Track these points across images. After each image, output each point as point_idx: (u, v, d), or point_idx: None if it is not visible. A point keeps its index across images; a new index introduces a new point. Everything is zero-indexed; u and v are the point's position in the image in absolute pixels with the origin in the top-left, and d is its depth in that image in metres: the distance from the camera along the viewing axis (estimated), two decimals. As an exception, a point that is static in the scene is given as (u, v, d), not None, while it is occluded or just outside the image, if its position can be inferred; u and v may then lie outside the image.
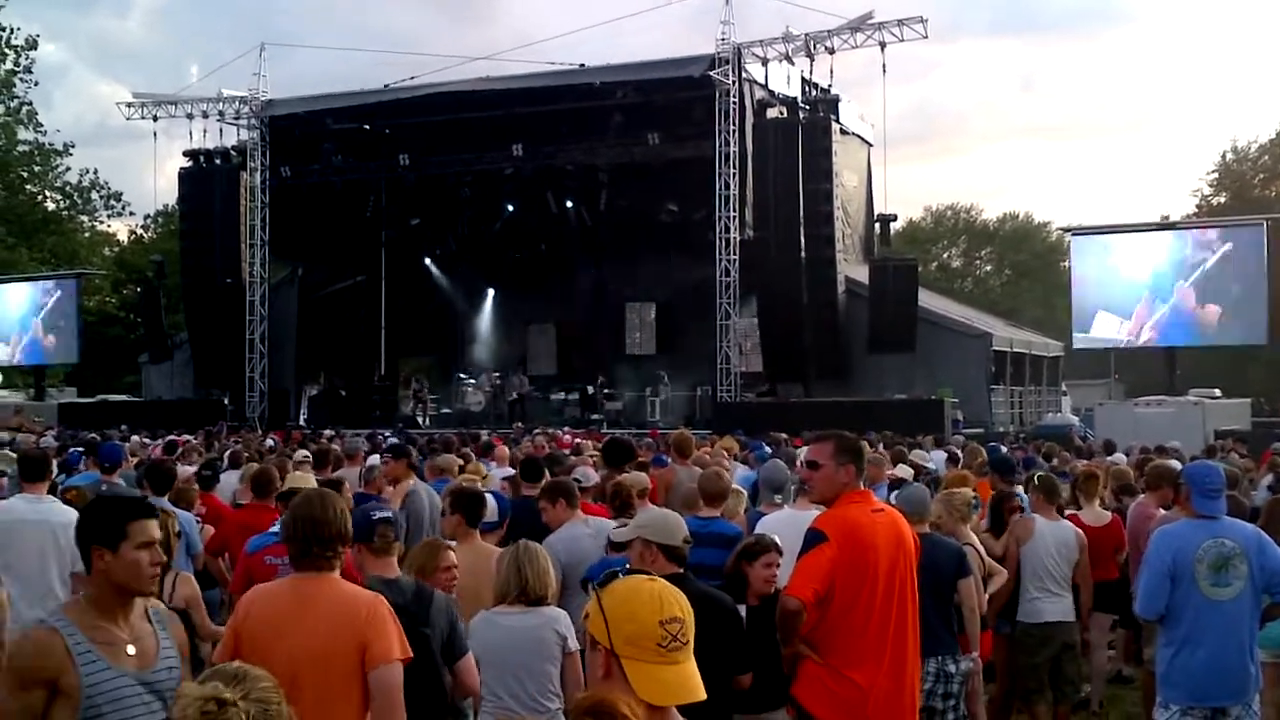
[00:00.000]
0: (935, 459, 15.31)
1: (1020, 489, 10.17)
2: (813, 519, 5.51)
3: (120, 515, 4.03)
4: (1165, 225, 35.79)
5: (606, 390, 35.41)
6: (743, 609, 5.64)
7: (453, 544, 6.29)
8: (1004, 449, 16.02)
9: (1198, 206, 58.11)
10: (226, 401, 35.88)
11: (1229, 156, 59.56)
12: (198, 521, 9.57)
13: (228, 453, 15.86)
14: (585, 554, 7.13)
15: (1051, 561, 8.54)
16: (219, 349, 36.83)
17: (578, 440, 19.46)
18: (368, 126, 35.50)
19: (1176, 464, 11.15)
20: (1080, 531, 8.86)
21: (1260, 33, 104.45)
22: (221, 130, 37.45)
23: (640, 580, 2.80)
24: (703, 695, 2.66)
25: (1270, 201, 49.31)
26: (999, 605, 8.56)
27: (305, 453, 13.64)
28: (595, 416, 33.64)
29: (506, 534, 7.53)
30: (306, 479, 8.13)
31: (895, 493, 8.43)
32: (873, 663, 5.26)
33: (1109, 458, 16.15)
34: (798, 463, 8.13)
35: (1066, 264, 43.44)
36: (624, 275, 38.96)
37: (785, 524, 7.15)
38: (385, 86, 34.85)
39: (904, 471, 11.89)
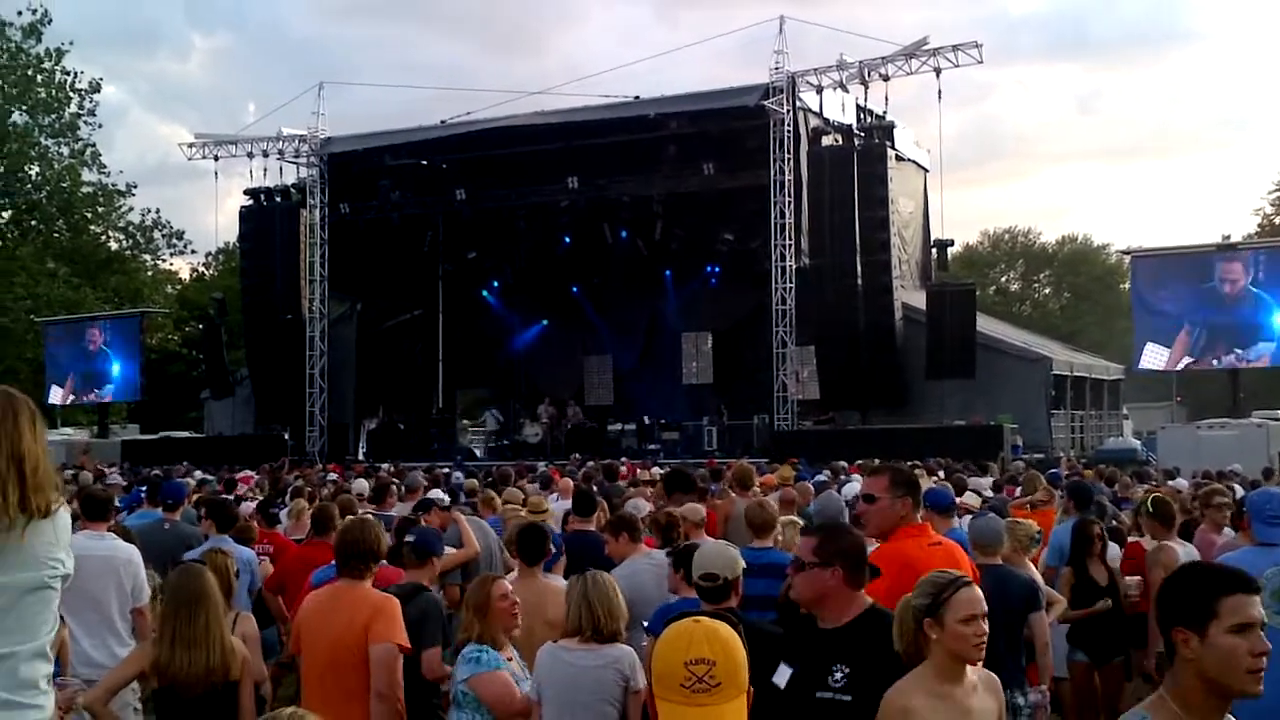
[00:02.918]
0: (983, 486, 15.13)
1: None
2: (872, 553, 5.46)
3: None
4: (1226, 245, 35.40)
5: (663, 420, 35.36)
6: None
7: (504, 576, 6.30)
8: (1063, 474, 15.84)
9: (1259, 226, 57.40)
10: (287, 436, 36.13)
11: (1290, 175, 58.89)
12: (262, 558, 9.67)
13: (289, 489, 15.99)
14: (645, 587, 7.11)
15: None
16: (279, 384, 37.17)
17: (636, 470, 19.45)
18: (425, 162, 35.74)
19: (1239, 489, 11.00)
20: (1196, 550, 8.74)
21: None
22: (281, 168, 37.86)
23: (685, 622, 2.80)
24: None
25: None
26: (1153, 643, 8.46)
27: (364, 482, 13.74)
28: (652, 447, 33.56)
29: (567, 568, 7.54)
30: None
31: (968, 522, 8.35)
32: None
33: (1170, 483, 15.92)
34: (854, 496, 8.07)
35: (1126, 286, 43.03)
36: (680, 305, 38.95)
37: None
38: (441, 123, 35.11)
39: (971, 500, 11.76)
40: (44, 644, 3.55)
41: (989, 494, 13.78)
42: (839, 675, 4.11)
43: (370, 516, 7.37)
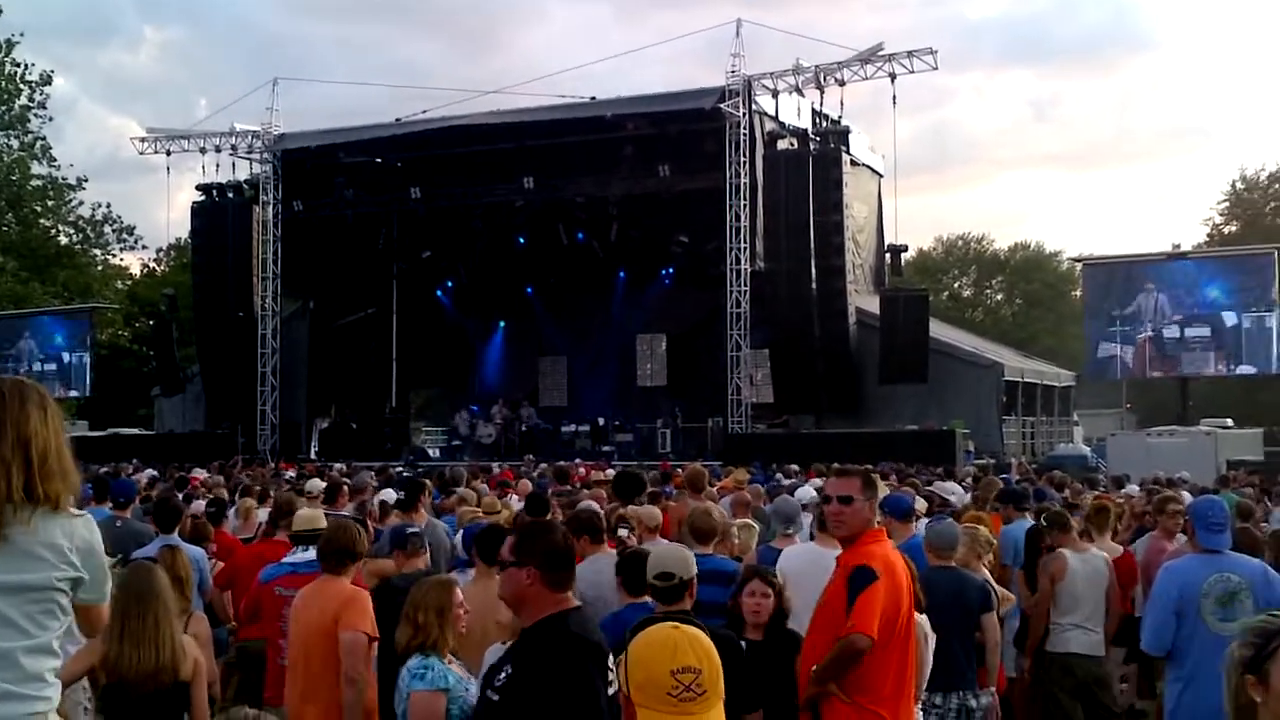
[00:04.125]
0: (954, 491, 15.23)
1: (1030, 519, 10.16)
2: (844, 555, 5.44)
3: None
4: (1177, 255, 35.81)
5: (617, 422, 35.40)
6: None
7: (458, 581, 6.28)
8: (1015, 479, 15.98)
9: (1209, 235, 58.08)
10: (239, 435, 35.89)
11: (1239, 185, 59.56)
12: (210, 558, 9.59)
13: (240, 487, 15.89)
14: (604, 587, 7.11)
15: (1084, 593, 8.51)
16: (231, 382, 36.92)
17: (591, 472, 19.44)
18: (379, 160, 35.63)
19: (1188, 496, 11.14)
20: (1107, 559, 8.86)
21: (1271, 60, 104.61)
22: (234, 164, 37.69)
23: (664, 628, 2.79)
24: None
25: (1281, 230, 49.23)
26: (1034, 641, 8.59)
27: (318, 482, 13.66)
28: (606, 448, 33.59)
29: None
30: (316, 516, 8.12)
31: (924, 526, 8.40)
32: (893, 700, 5.27)
33: (1121, 491, 16.06)
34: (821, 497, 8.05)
35: (1078, 293, 43.43)
36: (635, 307, 39.00)
37: (807, 558, 7.14)
38: (396, 120, 35.01)
39: (921, 505, 11.82)
40: (49, 640, 3.41)
41: (954, 500, 13.85)
42: (503, 676, 4.01)
43: (350, 520, 7.61)
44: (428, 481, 12.21)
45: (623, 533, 8.30)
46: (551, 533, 4.40)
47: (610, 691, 3.91)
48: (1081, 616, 8.51)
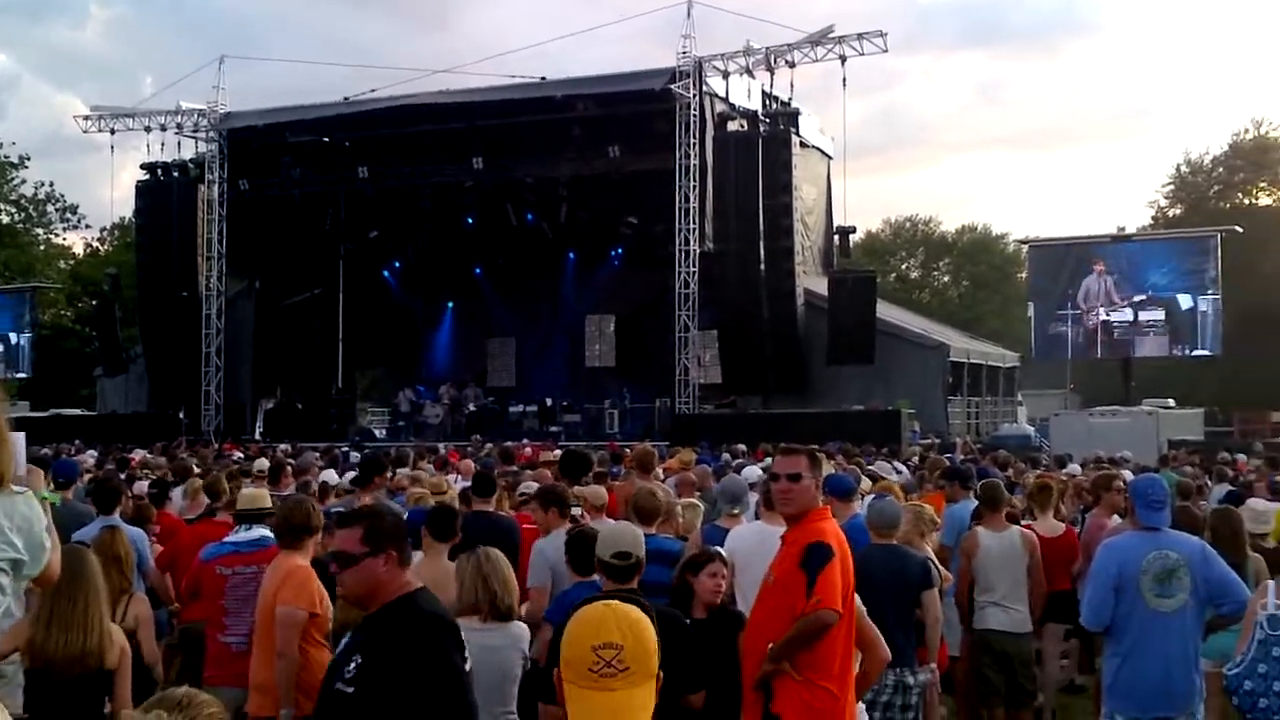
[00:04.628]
0: (892, 471, 15.35)
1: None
2: (792, 533, 5.45)
3: None
4: (1121, 237, 36.16)
5: (565, 403, 35.38)
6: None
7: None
8: (959, 459, 16.13)
9: (1154, 218, 58.63)
10: (182, 415, 35.53)
11: (1184, 169, 60.16)
12: (151, 540, 9.49)
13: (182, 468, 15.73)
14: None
15: (997, 571, 8.62)
16: (174, 362, 36.60)
17: (539, 453, 19.43)
18: (327, 139, 35.35)
19: (1129, 474, 11.27)
20: (1031, 536, 8.95)
21: (1214, 44, 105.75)
22: (179, 143, 37.28)
23: (597, 605, 2.78)
24: None
25: (1224, 214, 49.76)
26: (961, 615, 8.69)
27: (263, 461, 13.58)
28: (554, 429, 33.58)
29: (464, 548, 7.53)
30: (260, 495, 8.07)
31: (867, 504, 8.45)
32: (843, 675, 5.30)
33: (1063, 471, 16.24)
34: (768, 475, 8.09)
35: (1023, 275, 43.80)
36: (584, 288, 38.96)
37: (755, 537, 7.15)
38: (345, 99, 34.71)
39: (865, 484, 11.91)
40: None
41: (894, 479, 13.95)
42: (353, 667, 3.95)
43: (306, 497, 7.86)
44: (386, 459, 12.17)
45: (576, 511, 8.33)
46: (392, 513, 4.43)
47: (467, 667, 3.93)
48: (999, 594, 8.63)
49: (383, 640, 3.96)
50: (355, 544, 4.04)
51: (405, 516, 8.81)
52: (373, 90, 34.09)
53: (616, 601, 2.82)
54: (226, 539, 7.69)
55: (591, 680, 2.61)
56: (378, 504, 6.60)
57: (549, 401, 35.45)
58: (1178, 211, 57.84)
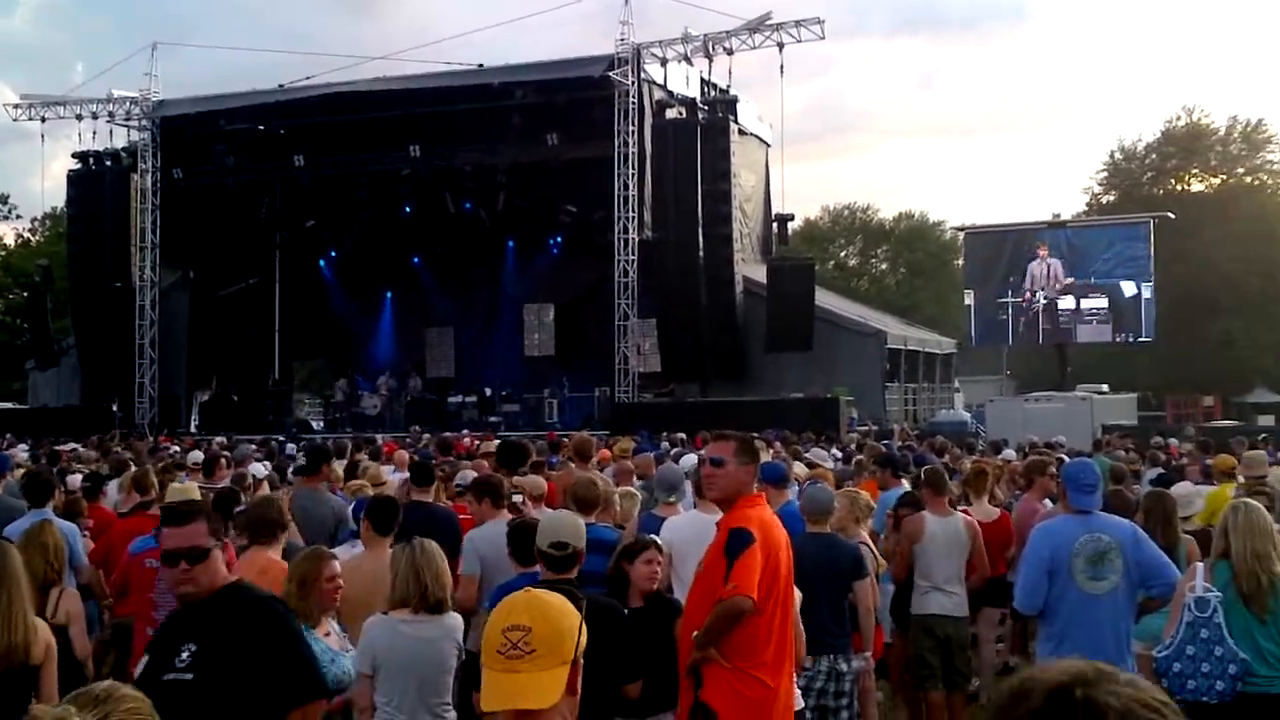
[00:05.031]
0: (826, 458, 15.43)
1: (908, 485, 10.33)
2: (724, 520, 5.46)
3: None
4: (1056, 224, 36.52)
5: (504, 393, 35.28)
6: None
7: (336, 554, 6.21)
8: (896, 445, 16.24)
9: (1088, 205, 59.27)
10: (116, 408, 35.08)
11: (1118, 156, 60.87)
12: (84, 534, 9.37)
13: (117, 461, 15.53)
14: (504, 553, 7.13)
15: (942, 556, 8.69)
16: (108, 354, 36.09)
17: (478, 443, 19.36)
18: (262, 127, 34.94)
19: (1065, 459, 11.38)
20: (973, 522, 9.04)
21: (1146, 32, 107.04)
22: (111, 131, 36.84)
23: (519, 592, 2.79)
24: (533, 704, 2.62)
25: (1157, 200, 50.42)
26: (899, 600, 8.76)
27: (197, 454, 13.44)
28: (493, 419, 33.46)
29: (398, 539, 7.49)
30: (189, 490, 7.98)
31: (801, 491, 8.49)
32: (776, 663, 5.30)
33: (998, 456, 16.39)
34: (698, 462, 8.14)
35: (960, 262, 44.16)
36: (523, 276, 38.82)
37: (690, 525, 7.17)
38: (280, 86, 34.39)
39: (800, 470, 11.96)
40: None
41: (830, 466, 14.02)
42: (186, 655, 3.98)
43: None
44: (329, 448, 12.08)
45: (517, 499, 8.32)
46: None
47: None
48: (942, 578, 8.69)
49: (222, 624, 4.02)
50: (204, 538, 4.15)
51: (350, 508, 8.83)
52: (308, 78, 33.83)
53: (536, 588, 2.83)
54: (154, 533, 7.59)
55: (500, 661, 2.63)
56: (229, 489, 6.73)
57: (488, 391, 35.35)
58: (1112, 198, 58.48)
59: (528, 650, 2.62)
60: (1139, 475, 13.38)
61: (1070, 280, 34.04)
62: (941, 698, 8.75)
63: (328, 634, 5.70)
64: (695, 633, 5.25)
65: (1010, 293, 34.77)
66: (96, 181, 36.72)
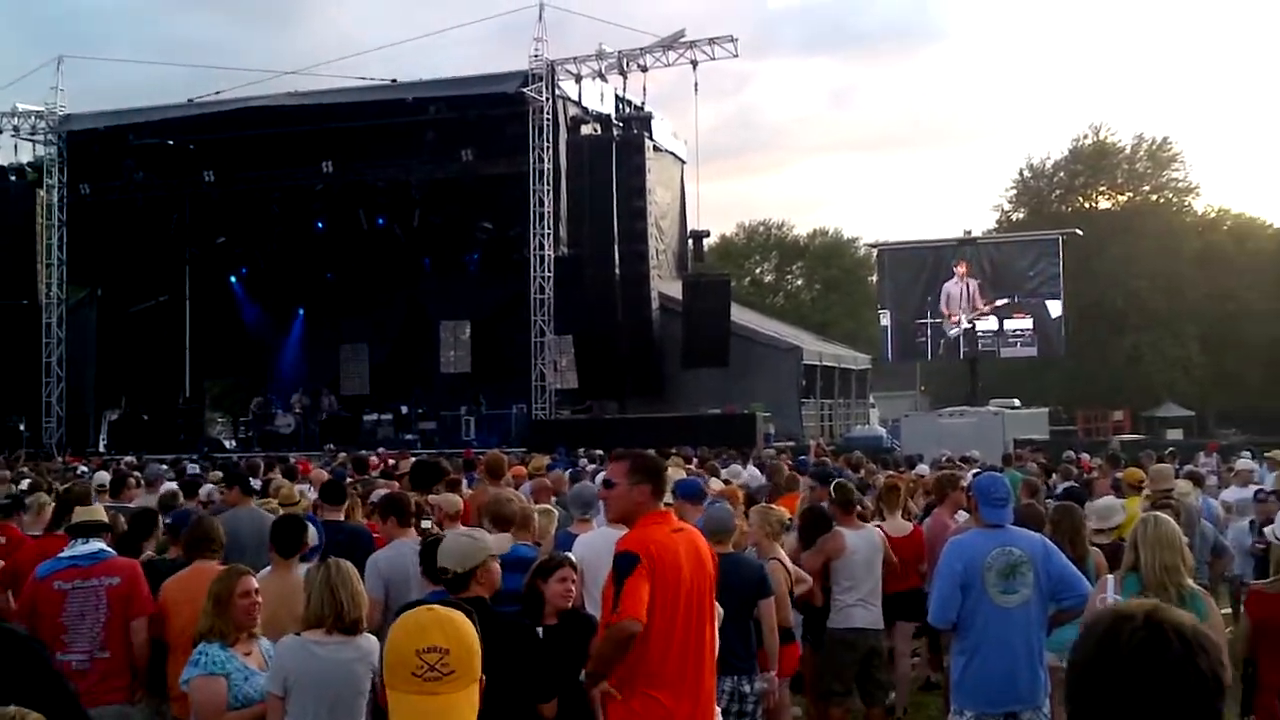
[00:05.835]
0: (750, 475, 15.48)
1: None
2: (617, 542, 5.44)
3: None
4: (967, 240, 37.04)
5: (420, 410, 35.03)
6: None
7: (251, 571, 6.10)
8: (811, 460, 16.31)
9: (998, 222, 60.20)
10: (22, 427, 34.37)
11: (1027, 174, 61.91)
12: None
13: (26, 482, 15.17)
14: (407, 570, 7.05)
15: (863, 569, 8.74)
16: (13, 373, 35.29)
17: (391, 462, 19.20)
18: (171, 142, 34.47)
19: (973, 474, 11.51)
20: (882, 535, 9.11)
21: (1056, 51, 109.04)
22: (16, 146, 36.12)
23: (419, 611, 2.76)
24: None
25: (1066, 217, 51.33)
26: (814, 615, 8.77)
27: (104, 474, 13.17)
28: (409, 437, 33.20)
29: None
30: (95, 511, 7.79)
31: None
32: (675, 684, 5.23)
33: (913, 471, 16.53)
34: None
35: (874, 278, 44.62)
36: (438, 293, 38.62)
37: (602, 541, 7.13)
38: (189, 101, 33.96)
39: (716, 485, 11.97)
40: None
41: (746, 481, 14.06)
42: None
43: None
44: (241, 467, 11.94)
45: (426, 524, 8.25)
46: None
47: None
48: (865, 592, 8.75)
49: None
50: None
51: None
52: (218, 92, 33.44)
53: (439, 606, 2.80)
54: (63, 553, 7.40)
55: (416, 684, 2.59)
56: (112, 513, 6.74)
57: (404, 409, 35.07)
58: (1021, 215, 59.50)
59: (446, 672, 2.59)
60: (1051, 488, 13.56)
61: (997, 301, 34.45)
62: (844, 715, 8.79)
63: (248, 653, 5.62)
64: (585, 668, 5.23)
65: (929, 313, 35.13)
66: (0, 197, 36.00)
